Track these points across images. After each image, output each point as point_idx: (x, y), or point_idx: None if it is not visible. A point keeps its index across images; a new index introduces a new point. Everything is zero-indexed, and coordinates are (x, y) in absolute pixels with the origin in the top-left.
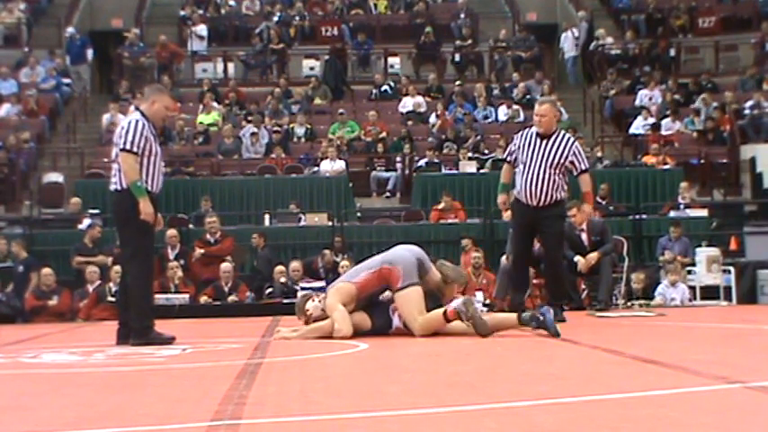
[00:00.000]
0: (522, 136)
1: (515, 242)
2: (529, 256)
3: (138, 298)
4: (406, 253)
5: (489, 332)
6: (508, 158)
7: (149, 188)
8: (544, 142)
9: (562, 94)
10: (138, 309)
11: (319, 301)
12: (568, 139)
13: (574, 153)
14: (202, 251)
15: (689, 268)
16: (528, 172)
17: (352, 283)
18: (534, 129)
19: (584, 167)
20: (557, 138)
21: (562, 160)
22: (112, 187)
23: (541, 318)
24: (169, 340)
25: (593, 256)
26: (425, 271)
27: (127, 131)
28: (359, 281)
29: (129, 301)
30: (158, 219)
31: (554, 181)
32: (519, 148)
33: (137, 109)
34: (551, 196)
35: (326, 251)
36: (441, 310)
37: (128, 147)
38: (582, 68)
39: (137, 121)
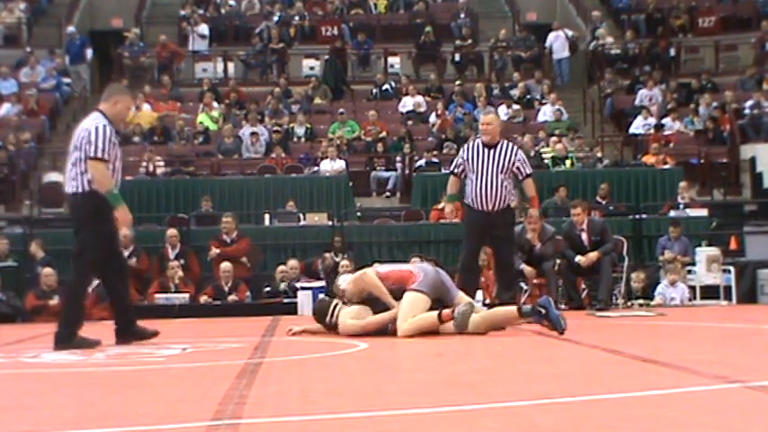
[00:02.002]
0: (468, 148)
1: (467, 247)
2: (477, 261)
3: (73, 297)
4: (433, 271)
5: (462, 330)
6: (455, 171)
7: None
8: (492, 151)
9: (562, 93)
10: (69, 309)
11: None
12: (512, 146)
13: (519, 159)
14: (218, 251)
15: (689, 268)
16: (480, 179)
17: (377, 272)
18: (479, 140)
19: (528, 172)
20: (502, 146)
21: (510, 165)
22: (71, 190)
23: (543, 311)
24: (94, 343)
25: (594, 255)
26: (451, 297)
27: (96, 138)
28: (382, 271)
29: (111, 300)
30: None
31: (505, 186)
32: (467, 159)
33: (97, 110)
34: (503, 200)
35: (327, 254)
36: (435, 312)
37: (99, 155)
38: (586, 68)
39: (104, 127)
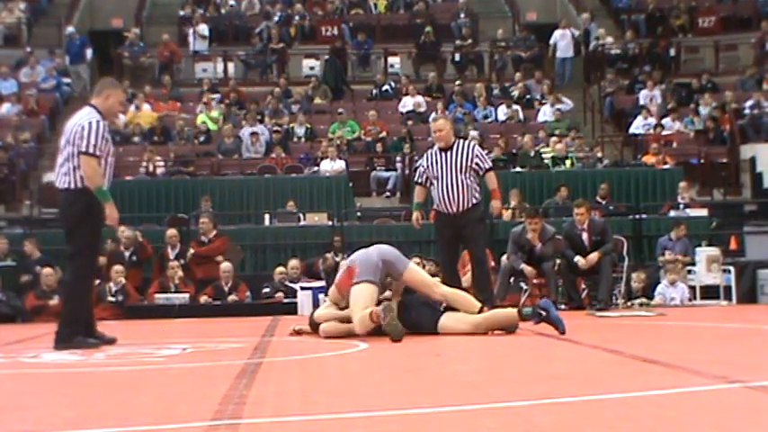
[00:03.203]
0: (427, 157)
1: (442, 251)
2: (456, 262)
3: (73, 297)
4: (371, 253)
5: (400, 337)
6: (419, 180)
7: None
8: (449, 153)
9: (562, 93)
10: (71, 308)
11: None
12: (468, 144)
13: (477, 155)
14: (193, 251)
15: (689, 268)
16: (443, 183)
17: (334, 285)
18: (436, 146)
19: (488, 166)
20: (458, 147)
21: (469, 163)
22: (63, 185)
23: (544, 313)
24: (94, 344)
25: (594, 255)
26: (400, 270)
27: (89, 133)
28: (336, 281)
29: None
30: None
31: (467, 185)
32: (428, 167)
33: (89, 104)
34: (468, 200)
35: (328, 255)
36: (368, 311)
37: (91, 150)
38: (584, 68)
39: (97, 122)
